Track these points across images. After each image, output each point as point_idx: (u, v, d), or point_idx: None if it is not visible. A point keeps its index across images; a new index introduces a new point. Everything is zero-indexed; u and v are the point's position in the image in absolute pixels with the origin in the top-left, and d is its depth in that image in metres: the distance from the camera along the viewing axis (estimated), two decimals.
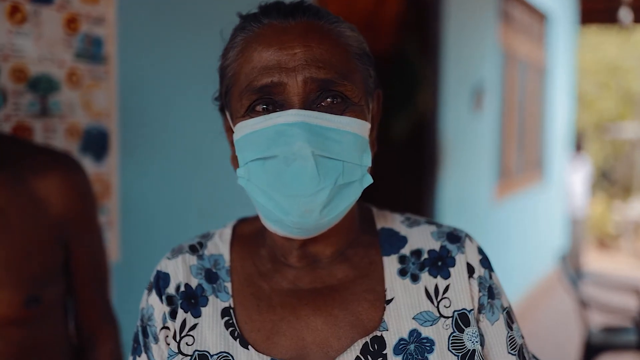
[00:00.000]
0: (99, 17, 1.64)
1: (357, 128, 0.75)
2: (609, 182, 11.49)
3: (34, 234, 1.14)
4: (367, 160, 0.77)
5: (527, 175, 5.93)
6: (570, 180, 7.57)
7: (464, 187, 4.27)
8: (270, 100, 0.75)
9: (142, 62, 1.81)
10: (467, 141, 4.28)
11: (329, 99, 0.74)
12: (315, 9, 0.78)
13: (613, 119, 11.94)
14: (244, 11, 0.83)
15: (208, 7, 2.00)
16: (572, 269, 4.54)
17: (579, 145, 7.85)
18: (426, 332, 0.79)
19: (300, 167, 0.71)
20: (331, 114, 0.74)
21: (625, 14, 6.15)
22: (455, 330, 0.79)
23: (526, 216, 5.83)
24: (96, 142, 1.65)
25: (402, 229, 0.87)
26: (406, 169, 4.12)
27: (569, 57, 7.33)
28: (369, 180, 0.77)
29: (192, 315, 0.82)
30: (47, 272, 1.15)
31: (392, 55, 4.16)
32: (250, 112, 0.75)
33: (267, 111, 0.75)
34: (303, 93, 0.73)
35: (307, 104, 0.74)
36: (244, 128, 0.76)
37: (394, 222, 0.88)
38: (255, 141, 0.74)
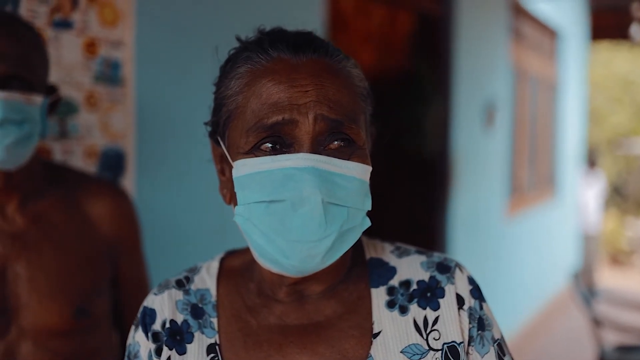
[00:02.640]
0: (118, 41, 1.68)
1: (362, 173, 0.75)
2: (621, 197, 11.41)
3: (84, 252, 1.24)
4: (369, 204, 0.76)
5: (539, 192, 5.91)
6: (584, 196, 7.54)
7: (476, 203, 4.27)
8: (278, 139, 0.73)
9: (159, 84, 1.84)
10: (478, 158, 4.29)
11: (336, 142, 0.74)
12: (323, 44, 0.78)
13: (626, 134, 11.88)
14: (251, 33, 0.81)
15: (224, 30, 2.04)
16: (584, 286, 4.51)
17: (592, 161, 7.81)
18: None
19: (307, 213, 0.70)
20: (338, 158, 0.73)
21: (636, 30, 6.15)
22: None
23: (538, 233, 5.81)
24: (113, 163, 1.68)
25: (392, 259, 0.85)
26: (418, 186, 4.13)
27: (580, 73, 7.33)
28: (367, 223, 0.76)
29: (177, 352, 0.81)
30: (95, 287, 1.24)
31: (405, 74, 4.19)
32: (255, 150, 0.73)
33: (274, 150, 0.73)
34: (313, 132, 0.72)
35: (316, 146, 0.72)
36: (247, 166, 0.74)
37: (384, 252, 0.87)
38: (261, 182, 0.72)
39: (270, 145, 0.73)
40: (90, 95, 1.61)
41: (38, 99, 1.13)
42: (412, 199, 4.13)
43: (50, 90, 1.21)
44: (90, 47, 1.61)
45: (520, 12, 5.12)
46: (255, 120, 0.73)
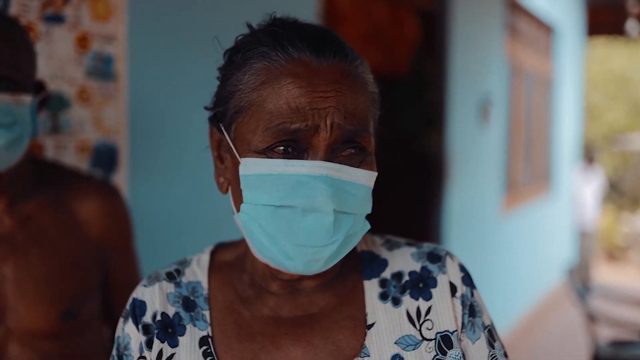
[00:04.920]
0: (110, 35, 1.67)
1: (369, 180, 0.76)
2: (617, 193, 11.43)
3: (73, 254, 1.21)
4: (369, 209, 0.77)
5: (535, 188, 5.92)
6: (581, 192, 7.55)
7: (471, 200, 4.28)
8: (292, 143, 0.72)
9: (151, 79, 1.84)
10: (474, 154, 4.29)
11: (347, 150, 0.74)
12: (341, 46, 0.77)
13: (622, 131, 11.90)
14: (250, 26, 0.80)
15: (218, 25, 2.03)
16: (579, 282, 4.52)
17: (591, 158, 7.82)
18: (409, 356, 0.78)
19: (316, 220, 0.71)
20: (349, 165, 0.74)
21: (632, 26, 6.16)
22: (439, 352, 0.79)
23: (533, 229, 5.82)
24: (106, 158, 1.67)
25: (383, 252, 0.86)
26: (413, 182, 4.13)
27: (576, 69, 7.34)
28: (367, 226, 0.78)
29: (169, 345, 0.80)
30: (84, 289, 1.22)
31: (400, 70, 4.20)
32: (268, 151, 0.73)
33: (286, 154, 0.73)
34: (329, 139, 0.72)
35: (329, 153, 0.73)
36: (259, 166, 0.73)
37: (374, 245, 0.87)
38: (272, 185, 0.72)
39: (282, 148, 0.72)
40: (82, 90, 1.61)
41: (27, 99, 1.10)
42: (408, 195, 4.14)
43: (39, 88, 1.18)
44: (82, 41, 1.60)
45: (515, 8, 5.12)
46: (277, 122, 0.72)
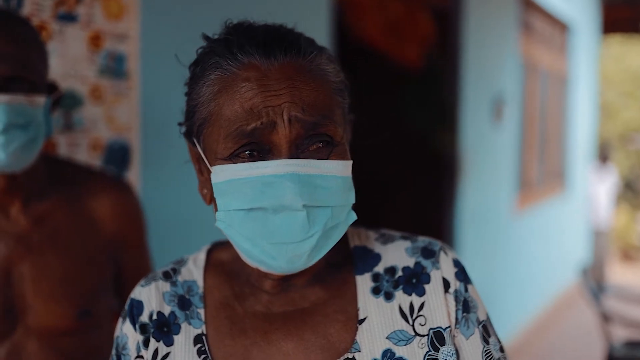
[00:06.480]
0: (123, 34, 1.68)
1: (343, 170, 0.75)
2: (633, 192, 11.32)
3: (88, 252, 1.22)
4: (352, 198, 0.76)
5: (549, 187, 5.88)
6: (595, 191, 7.49)
7: (484, 198, 4.26)
8: (256, 146, 0.73)
9: (164, 77, 1.84)
10: (487, 152, 4.27)
11: (314, 144, 0.74)
12: (294, 42, 0.76)
13: (637, 129, 11.78)
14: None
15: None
16: (593, 281, 4.49)
17: (604, 156, 7.75)
18: (400, 351, 0.78)
19: (288, 217, 0.71)
20: (317, 159, 0.73)
21: None
22: (431, 349, 0.78)
23: (547, 228, 5.78)
24: (118, 156, 1.68)
25: (376, 246, 0.86)
26: (426, 180, 4.12)
27: (591, 67, 7.27)
28: (353, 217, 0.77)
29: (165, 344, 0.81)
30: (98, 288, 1.23)
31: (414, 68, 4.18)
32: (233, 157, 0.74)
33: (252, 157, 0.73)
34: (290, 135, 0.72)
35: (294, 150, 0.73)
36: (226, 172, 0.74)
37: (368, 239, 0.87)
38: (240, 189, 0.73)
39: (247, 152, 0.73)
40: (95, 88, 1.62)
41: (41, 100, 1.10)
42: (421, 194, 4.13)
43: (52, 88, 1.19)
44: (95, 40, 1.61)
45: (530, 5, 5.08)
46: (235, 127, 0.73)
